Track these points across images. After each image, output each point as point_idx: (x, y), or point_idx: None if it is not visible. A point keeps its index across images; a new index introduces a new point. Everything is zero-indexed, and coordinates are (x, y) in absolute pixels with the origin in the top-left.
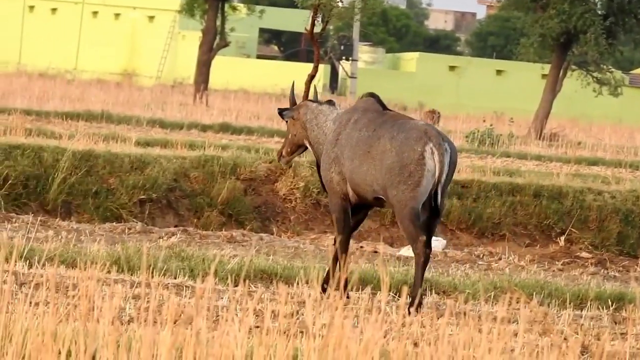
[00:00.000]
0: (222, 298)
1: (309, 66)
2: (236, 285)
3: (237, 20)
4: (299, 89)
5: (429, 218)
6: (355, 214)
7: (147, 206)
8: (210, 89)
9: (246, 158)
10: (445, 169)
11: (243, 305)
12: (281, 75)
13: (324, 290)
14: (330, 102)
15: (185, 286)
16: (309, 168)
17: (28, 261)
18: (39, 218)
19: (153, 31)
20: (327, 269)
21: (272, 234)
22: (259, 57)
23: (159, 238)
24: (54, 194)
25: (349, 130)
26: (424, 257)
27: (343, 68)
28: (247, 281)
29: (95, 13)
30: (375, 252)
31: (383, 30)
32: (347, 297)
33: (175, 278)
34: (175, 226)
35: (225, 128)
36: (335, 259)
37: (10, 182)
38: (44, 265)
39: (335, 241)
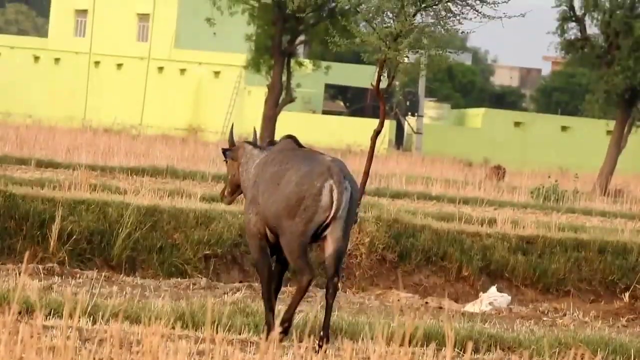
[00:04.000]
0: (287, 354)
1: (375, 122)
2: (301, 341)
3: (303, 75)
4: (338, 143)
5: (326, 249)
6: (279, 254)
7: (212, 262)
8: None
9: None
10: (343, 206)
11: None
12: (347, 130)
13: (286, 331)
14: (268, 145)
15: (250, 342)
16: (374, 224)
17: (92, 317)
18: (103, 274)
19: (219, 87)
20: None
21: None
22: (324, 112)
23: (224, 294)
24: (118, 249)
25: (265, 168)
26: (304, 292)
27: (409, 124)
28: (312, 337)
29: (160, 69)
30: (440, 308)
31: (449, 86)
32: (284, 334)
33: (240, 334)
34: (240, 282)
35: None
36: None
37: (74, 237)
38: (108, 321)
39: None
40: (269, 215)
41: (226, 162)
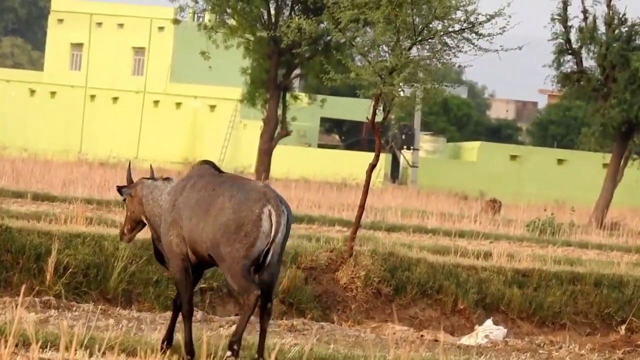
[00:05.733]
0: None
1: (370, 155)
2: None
3: (299, 109)
4: (334, 177)
5: (260, 275)
6: (194, 272)
7: (208, 295)
8: (271, 178)
9: (307, 247)
10: (281, 230)
11: None
12: (342, 164)
13: (236, 354)
14: (167, 179)
15: None
16: (370, 257)
17: (89, 350)
18: (99, 306)
19: (214, 120)
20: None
21: (333, 322)
22: (320, 146)
23: (220, 327)
24: (114, 282)
25: (186, 194)
26: (252, 310)
27: (404, 157)
28: None
29: (156, 102)
30: (436, 340)
31: (444, 119)
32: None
33: None
34: (236, 314)
35: None
36: (183, 317)
37: (71, 270)
38: (104, 353)
39: (178, 302)
40: (199, 240)
41: (124, 200)
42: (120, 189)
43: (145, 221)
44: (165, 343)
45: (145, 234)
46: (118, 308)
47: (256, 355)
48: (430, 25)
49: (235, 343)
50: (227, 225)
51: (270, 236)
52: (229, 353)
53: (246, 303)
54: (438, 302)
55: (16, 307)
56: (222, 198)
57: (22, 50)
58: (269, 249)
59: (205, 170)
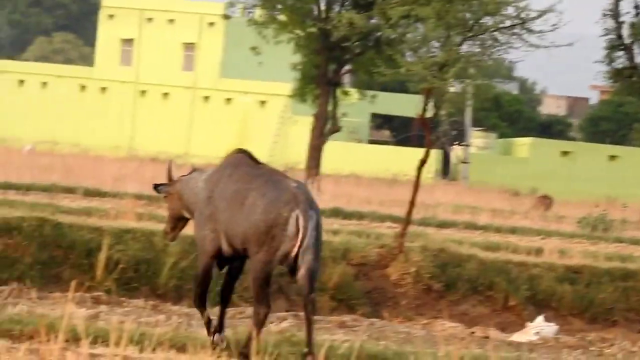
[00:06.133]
0: None
1: (421, 151)
2: None
3: (349, 105)
4: (384, 172)
5: (296, 275)
6: (230, 262)
7: None
8: (321, 174)
9: (357, 243)
10: (309, 234)
11: None
12: (393, 160)
13: (245, 357)
14: (200, 170)
15: None
16: (420, 253)
17: (139, 345)
18: (149, 302)
19: (264, 116)
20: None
21: (383, 319)
22: (370, 142)
23: (270, 323)
24: (164, 278)
25: (222, 185)
26: (261, 325)
27: (455, 153)
28: None
29: (206, 98)
30: (487, 337)
31: (495, 115)
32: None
33: None
34: (287, 311)
35: (336, 213)
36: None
37: (121, 266)
38: (154, 349)
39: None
40: (233, 234)
41: (165, 198)
42: (157, 187)
43: (187, 216)
44: (214, 335)
45: (189, 229)
46: (168, 304)
47: (306, 349)
48: (481, 21)
49: (243, 355)
50: (257, 226)
51: (296, 240)
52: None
53: (257, 318)
54: (489, 298)
55: (67, 303)
56: (255, 194)
57: (73, 46)
58: (297, 253)
59: (240, 159)
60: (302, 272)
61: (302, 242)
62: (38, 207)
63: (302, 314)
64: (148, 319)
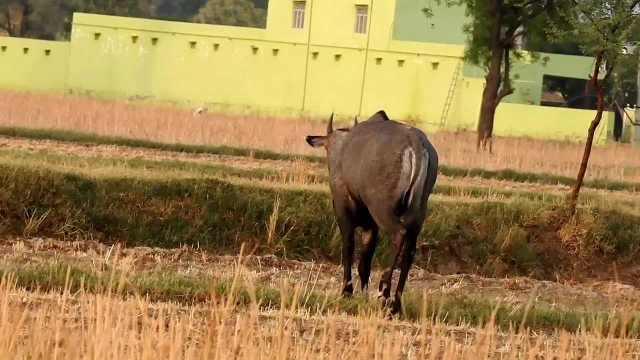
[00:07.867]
0: (504, 345)
1: (593, 113)
2: (518, 332)
3: (521, 67)
4: (556, 135)
5: (403, 218)
6: (362, 222)
7: (430, 253)
8: (494, 136)
9: (529, 205)
10: (422, 173)
11: (524, 352)
12: (565, 122)
13: (386, 293)
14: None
15: (467, 333)
16: (592, 215)
17: (310, 307)
18: (320, 264)
19: (437, 78)
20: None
21: (555, 281)
22: (543, 104)
23: (441, 285)
24: (336, 240)
25: (352, 139)
26: (399, 249)
27: (627, 115)
28: (528, 328)
29: (378, 60)
30: None
31: None
32: (385, 296)
33: (457, 325)
34: (458, 273)
35: (508, 175)
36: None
37: (292, 228)
38: (325, 311)
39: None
40: (351, 182)
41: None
42: (310, 139)
43: None
44: (385, 286)
45: None
46: (339, 266)
47: (393, 299)
48: None
49: (384, 283)
50: (371, 167)
51: (411, 178)
52: (379, 293)
53: (393, 243)
54: None
55: (237, 265)
56: (371, 141)
57: (245, 8)
58: (409, 191)
59: (374, 118)
60: (408, 220)
61: (414, 180)
62: (209, 170)
63: (474, 276)
64: (319, 282)
